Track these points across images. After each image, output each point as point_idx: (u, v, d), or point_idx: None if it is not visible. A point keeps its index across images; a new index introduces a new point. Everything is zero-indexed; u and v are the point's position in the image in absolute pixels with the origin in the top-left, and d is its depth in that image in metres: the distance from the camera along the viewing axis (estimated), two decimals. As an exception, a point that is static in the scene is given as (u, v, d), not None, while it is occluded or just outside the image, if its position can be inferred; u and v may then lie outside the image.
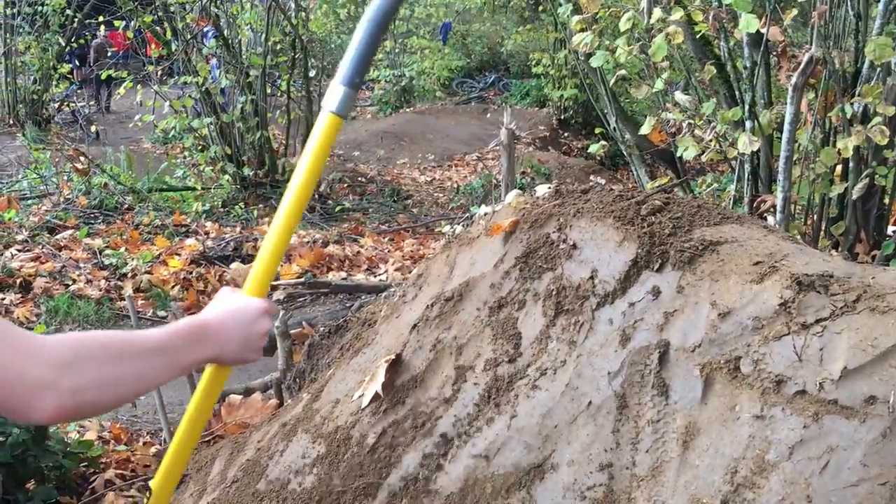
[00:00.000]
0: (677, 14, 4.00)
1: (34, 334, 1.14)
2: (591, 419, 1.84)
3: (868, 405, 1.54)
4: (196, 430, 1.56)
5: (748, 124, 4.07)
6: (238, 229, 9.75)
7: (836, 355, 1.61)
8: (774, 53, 4.15)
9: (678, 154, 4.35)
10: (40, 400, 1.09)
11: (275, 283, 7.54)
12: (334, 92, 1.59)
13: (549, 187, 2.56)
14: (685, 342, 1.80)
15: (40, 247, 8.45)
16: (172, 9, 10.66)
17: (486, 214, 2.63)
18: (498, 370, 2.10)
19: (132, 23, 10.83)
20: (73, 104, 16.76)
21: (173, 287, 7.91)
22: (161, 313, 7.56)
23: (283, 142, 12.07)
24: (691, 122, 4.30)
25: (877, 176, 3.84)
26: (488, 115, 18.79)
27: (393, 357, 2.40)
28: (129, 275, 8.01)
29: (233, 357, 1.43)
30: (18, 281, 7.61)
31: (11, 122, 15.26)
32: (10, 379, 1.07)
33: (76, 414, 1.16)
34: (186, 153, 12.46)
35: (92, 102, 17.80)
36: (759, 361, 1.68)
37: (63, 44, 15.34)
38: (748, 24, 3.67)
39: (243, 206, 10.73)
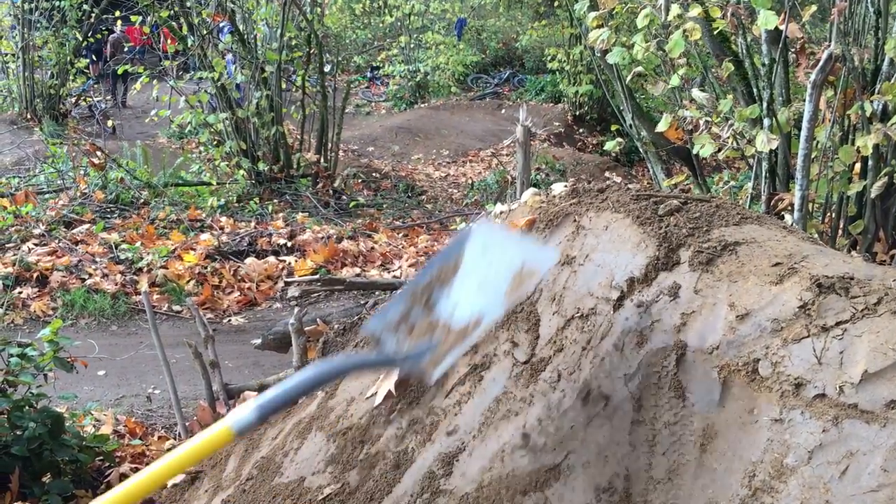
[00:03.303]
0: (695, 10, 3.97)
1: None
2: (607, 421, 1.83)
3: (889, 409, 1.52)
4: None
5: (766, 122, 4.04)
6: (253, 224, 9.79)
7: (856, 358, 1.59)
8: (793, 50, 4.11)
9: (695, 151, 4.33)
10: None
11: (289, 279, 7.56)
12: (244, 412, 1.63)
13: (566, 185, 2.54)
14: (703, 344, 1.79)
15: (57, 241, 8.51)
16: (189, 4, 10.69)
17: (501, 213, 2.62)
18: (514, 371, 2.09)
19: (149, 18, 10.87)
20: (90, 99, 16.86)
21: (188, 282, 7.96)
22: (176, 308, 7.61)
23: (298, 137, 12.09)
24: (708, 119, 4.27)
25: (896, 174, 3.80)
26: (503, 111, 18.77)
27: (408, 356, 2.39)
28: (145, 269, 8.06)
29: None
30: (35, 275, 7.67)
31: (29, 116, 15.35)
32: None
33: None
34: (202, 148, 12.52)
35: (108, 97, 17.89)
36: (777, 364, 1.66)
37: (80, 39, 15.41)
38: (766, 20, 3.64)
39: (258, 202, 10.77)
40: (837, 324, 1.65)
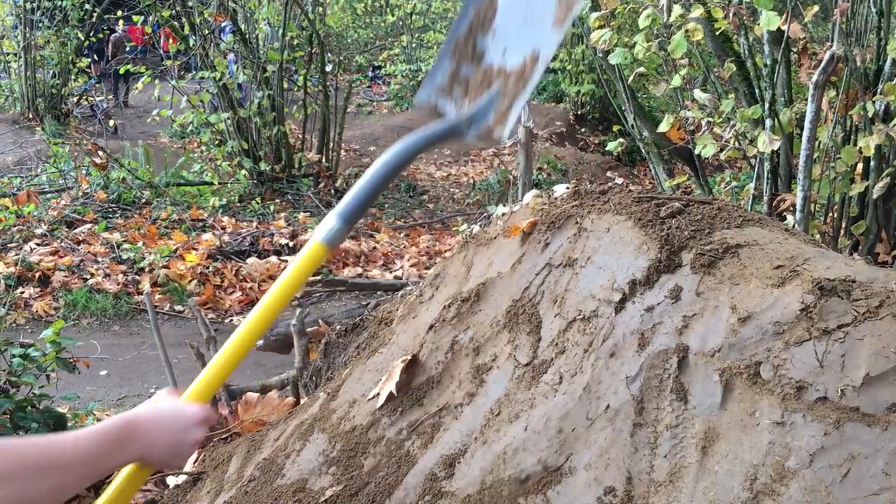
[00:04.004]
0: (697, 11, 3.97)
1: None
2: (609, 423, 1.83)
3: (890, 413, 1.52)
4: None
5: (768, 122, 4.04)
6: (254, 224, 9.81)
7: (858, 362, 1.59)
8: (795, 50, 4.11)
9: (696, 152, 4.33)
10: None
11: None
12: (329, 223, 1.60)
13: (568, 187, 2.54)
14: (704, 346, 1.79)
15: (59, 241, 8.53)
16: (190, 4, 10.70)
17: (503, 215, 2.63)
18: (515, 372, 2.10)
19: (150, 18, 10.89)
20: (92, 98, 16.87)
21: (190, 282, 7.97)
22: (178, 308, 7.61)
23: (300, 137, 12.10)
24: (710, 119, 4.27)
25: (898, 175, 3.80)
26: (505, 110, 18.71)
27: (409, 357, 2.40)
28: (147, 269, 8.08)
29: (158, 461, 1.37)
30: (37, 275, 7.69)
31: (31, 116, 15.37)
32: None
33: None
34: (203, 148, 12.52)
35: (110, 97, 17.90)
36: (779, 367, 1.67)
37: (82, 38, 15.41)
38: (769, 21, 3.64)
39: (260, 201, 10.78)
40: (839, 327, 1.65)
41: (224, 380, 1.54)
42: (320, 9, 12.00)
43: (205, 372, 1.51)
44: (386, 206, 12.07)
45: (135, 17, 11.44)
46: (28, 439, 1.19)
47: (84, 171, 10.79)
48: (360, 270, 8.54)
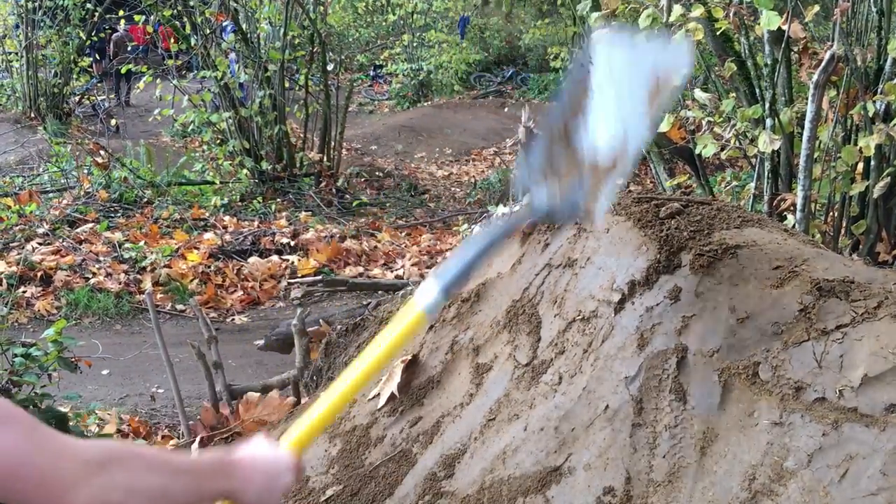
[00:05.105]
0: (697, 10, 3.97)
1: (67, 436, 1.15)
2: (608, 423, 1.84)
3: (888, 413, 1.53)
4: None
5: (768, 122, 4.03)
6: (256, 223, 9.80)
7: (856, 362, 1.59)
8: (795, 50, 4.11)
9: (697, 151, 4.32)
10: (72, 495, 1.09)
11: (292, 279, 7.58)
12: (431, 292, 1.58)
13: (567, 188, 2.54)
14: (703, 347, 1.79)
15: (61, 240, 8.53)
16: (192, 4, 10.70)
17: (504, 215, 2.63)
18: (515, 373, 2.10)
19: (152, 17, 10.89)
20: (93, 98, 16.85)
21: (192, 281, 7.98)
22: (179, 307, 7.62)
23: (301, 136, 12.09)
24: (710, 119, 4.27)
25: (899, 175, 3.79)
26: (506, 110, 18.74)
27: (409, 358, 2.40)
28: (148, 268, 8.08)
29: (250, 500, 1.43)
30: (39, 274, 7.70)
31: (32, 115, 15.36)
32: (43, 475, 1.08)
33: None
34: (205, 147, 12.51)
35: (112, 96, 17.88)
36: (778, 367, 1.67)
37: (83, 37, 15.41)
38: (769, 20, 3.63)
39: (261, 201, 10.77)
40: (838, 327, 1.66)
41: (321, 433, 1.56)
42: (321, 8, 12.00)
43: (302, 421, 1.53)
44: (387, 205, 12.08)
45: (136, 17, 11.44)
46: (138, 444, 1.25)
47: (86, 171, 10.78)
48: (361, 270, 8.54)
